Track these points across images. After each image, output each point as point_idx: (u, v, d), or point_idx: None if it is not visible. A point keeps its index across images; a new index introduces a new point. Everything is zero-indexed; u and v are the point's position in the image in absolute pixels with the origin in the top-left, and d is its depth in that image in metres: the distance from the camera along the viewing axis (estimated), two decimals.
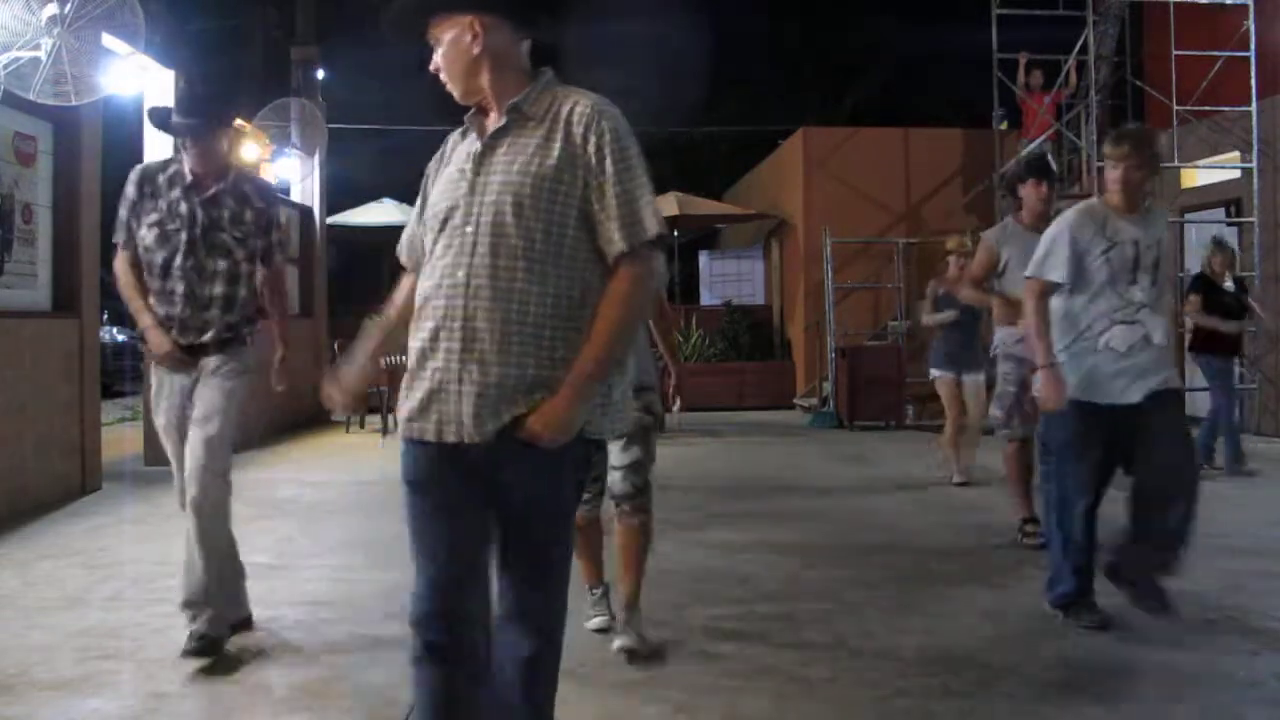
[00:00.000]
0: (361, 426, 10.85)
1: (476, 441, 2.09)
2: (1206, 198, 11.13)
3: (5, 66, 5.55)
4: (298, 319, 11.65)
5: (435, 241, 2.20)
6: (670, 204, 13.35)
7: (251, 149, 10.59)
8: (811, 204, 12.98)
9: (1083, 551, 3.84)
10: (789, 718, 3.07)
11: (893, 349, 11.76)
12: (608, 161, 2.14)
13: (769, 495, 6.96)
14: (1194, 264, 11.21)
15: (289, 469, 8.10)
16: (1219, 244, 7.96)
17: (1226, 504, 6.22)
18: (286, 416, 10.74)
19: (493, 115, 2.24)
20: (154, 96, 8.09)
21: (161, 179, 3.64)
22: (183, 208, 3.60)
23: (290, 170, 11.78)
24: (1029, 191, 5.13)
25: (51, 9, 5.58)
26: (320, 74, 13.47)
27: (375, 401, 10.62)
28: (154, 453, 8.11)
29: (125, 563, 4.93)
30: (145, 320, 3.58)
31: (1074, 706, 3.16)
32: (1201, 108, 10.52)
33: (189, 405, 3.60)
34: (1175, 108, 10.57)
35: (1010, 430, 5.28)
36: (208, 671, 3.40)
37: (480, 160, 2.19)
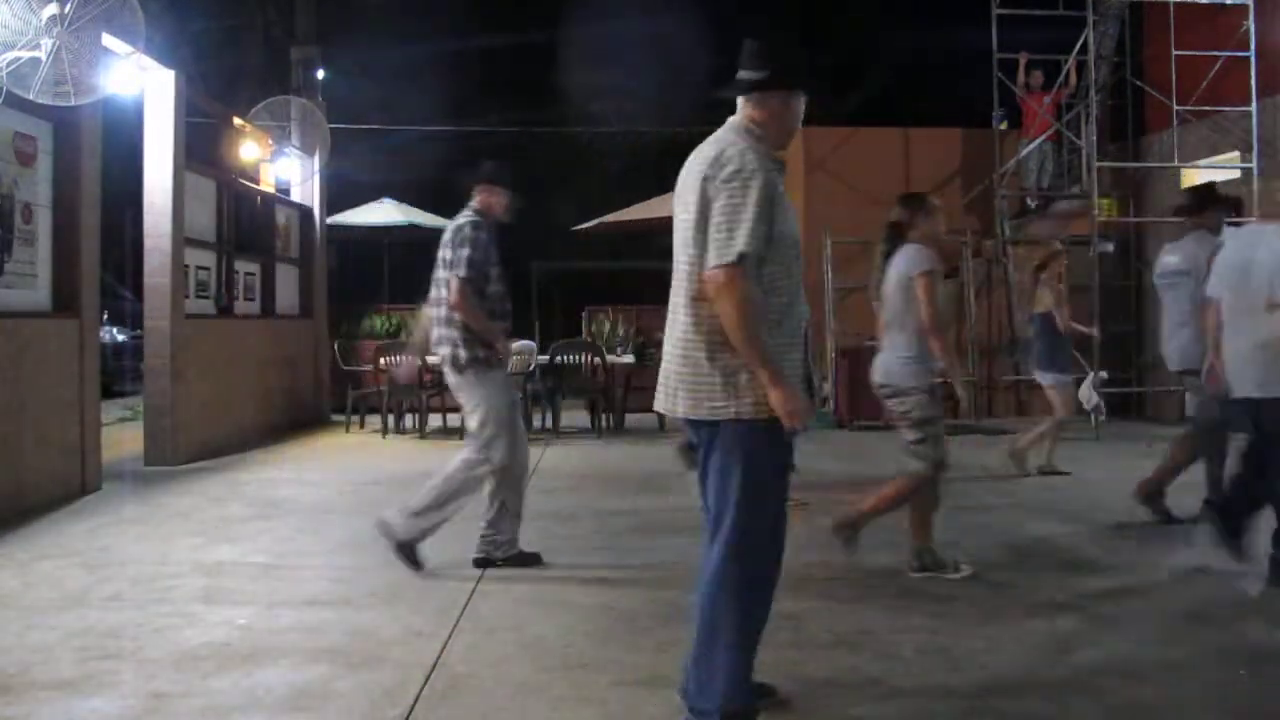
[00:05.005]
0: (361, 427, 10.84)
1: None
2: None
3: (6, 67, 5.55)
4: (298, 319, 11.68)
5: (793, 261, 2.94)
6: (670, 205, 13.33)
7: (251, 149, 10.59)
8: (811, 204, 12.96)
9: None
10: (788, 715, 3.08)
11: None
12: None
13: None
14: None
15: (289, 469, 8.10)
16: None
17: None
18: (286, 416, 10.75)
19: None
20: (154, 96, 8.11)
21: (485, 229, 4.82)
22: (494, 252, 4.86)
23: (290, 170, 11.77)
24: None
25: (52, 9, 5.58)
26: (320, 74, 13.47)
27: (375, 401, 10.63)
28: (154, 453, 8.13)
29: (125, 563, 4.93)
30: (500, 336, 4.77)
31: (1073, 705, 3.17)
32: (1201, 108, 10.52)
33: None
34: (1175, 108, 10.58)
35: None
36: (207, 671, 3.41)
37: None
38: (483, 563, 4.80)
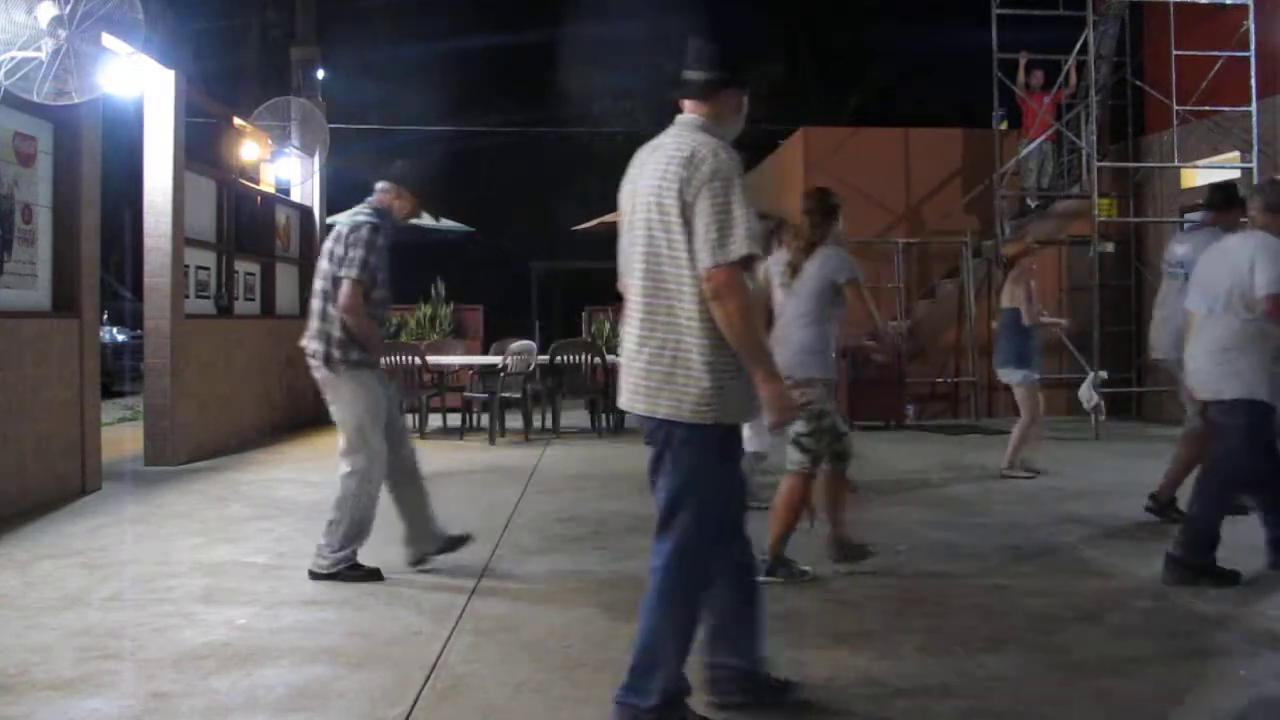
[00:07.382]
0: None
1: None
2: None
3: (6, 69, 5.55)
4: (298, 319, 11.66)
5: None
6: None
7: (251, 149, 10.59)
8: None
9: None
10: (788, 715, 3.08)
11: (893, 349, 11.74)
12: None
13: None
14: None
15: (289, 469, 8.10)
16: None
17: None
18: (286, 417, 10.74)
19: None
20: (154, 96, 8.11)
21: (384, 232, 4.66)
22: (386, 256, 4.67)
23: (290, 170, 11.76)
24: None
25: (53, 9, 5.58)
26: (320, 74, 13.47)
27: None
28: (154, 453, 8.13)
29: (125, 563, 4.93)
30: (379, 343, 4.72)
31: (1074, 705, 3.17)
32: (1201, 108, 10.52)
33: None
34: (1175, 108, 10.57)
35: None
36: (208, 671, 3.41)
37: None
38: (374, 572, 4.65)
